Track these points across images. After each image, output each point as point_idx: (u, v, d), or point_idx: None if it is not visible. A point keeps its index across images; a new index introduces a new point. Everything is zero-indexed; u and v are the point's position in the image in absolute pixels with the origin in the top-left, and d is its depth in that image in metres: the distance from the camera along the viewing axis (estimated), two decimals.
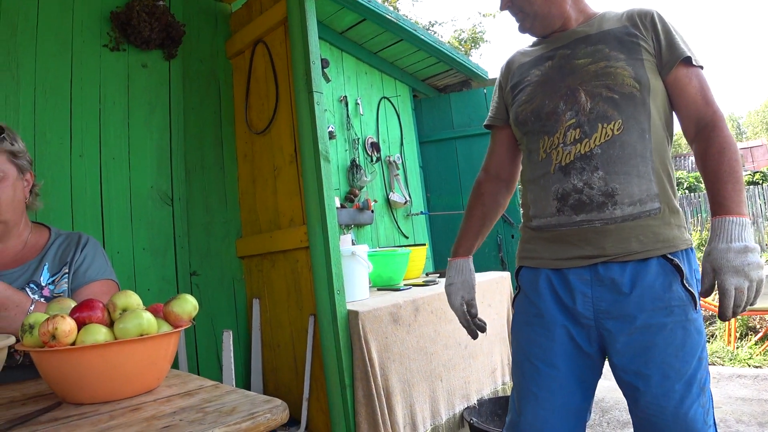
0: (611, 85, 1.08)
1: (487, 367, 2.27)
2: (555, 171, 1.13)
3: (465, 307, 1.34)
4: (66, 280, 1.31)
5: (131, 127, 2.09)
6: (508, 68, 1.34)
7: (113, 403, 0.86)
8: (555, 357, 1.14)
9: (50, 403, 0.89)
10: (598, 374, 1.19)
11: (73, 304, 0.96)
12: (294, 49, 1.99)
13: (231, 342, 1.89)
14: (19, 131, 1.35)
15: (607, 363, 1.16)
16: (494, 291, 2.36)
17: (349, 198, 2.84)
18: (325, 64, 2.63)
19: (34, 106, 1.92)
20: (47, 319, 0.84)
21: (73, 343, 0.84)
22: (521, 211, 1.38)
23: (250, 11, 2.28)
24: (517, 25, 1.27)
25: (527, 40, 1.32)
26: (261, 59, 2.22)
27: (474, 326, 1.35)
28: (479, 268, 3.34)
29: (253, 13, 2.25)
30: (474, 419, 2.01)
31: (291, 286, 2.03)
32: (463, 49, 11.87)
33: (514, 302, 1.29)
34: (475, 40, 12.52)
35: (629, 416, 2.09)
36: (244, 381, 2.21)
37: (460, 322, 1.36)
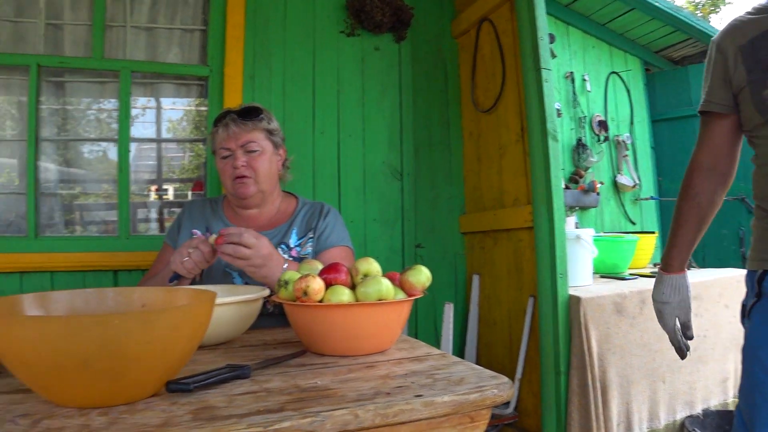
0: None
1: (717, 374, 2.27)
2: None
3: (680, 329, 1.38)
4: (311, 243, 1.74)
5: (365, 106, 2.58)
6: (739, 37, 1.26)
7: (350, 358, 1.06)
8: None
9: (297, 350, 1.13)
10: None
11: (320, 266, 1.21)
12: (521, 26, 2.22)
13: (452, 314, 2.24)
14: (271, 112, 1.84)
15: None
16: (733, 291, 2.34)
17: (573, 179, 3.02)
18: (551, 39, 2.84)
19: (283, 89, 2.51)
20: (300, 278, 1.07)
21: (321, 301, 1.06)
22: (755, 204, 1.35)
23: None
24: None
25: None
26: (487, 37, 2.50)
27: (685, 346, 1.39)
28: (716, 263, 3.25)
29: None
30: (696, 430, 2.06)
31: (512, 265, 2.31)
32: (700, 14, 11.00)
33: (751, 311, 1.28)
34: (714, 3, 11.54)
35: None
36: (458, 353, 2.56)
37: (671, 342, 1.42)
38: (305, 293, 1.05)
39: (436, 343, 2.46)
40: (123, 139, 2.38)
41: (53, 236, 2.37)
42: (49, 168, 2.43)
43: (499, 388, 0.85)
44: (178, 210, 2.55)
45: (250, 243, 1.38)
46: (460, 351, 2.57)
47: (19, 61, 2.34)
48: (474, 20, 2.58)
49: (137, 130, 2.49)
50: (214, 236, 1.41)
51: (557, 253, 2.02)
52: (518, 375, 2.20)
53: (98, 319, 0.73)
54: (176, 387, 0.81)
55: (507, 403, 2.23)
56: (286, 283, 1.12)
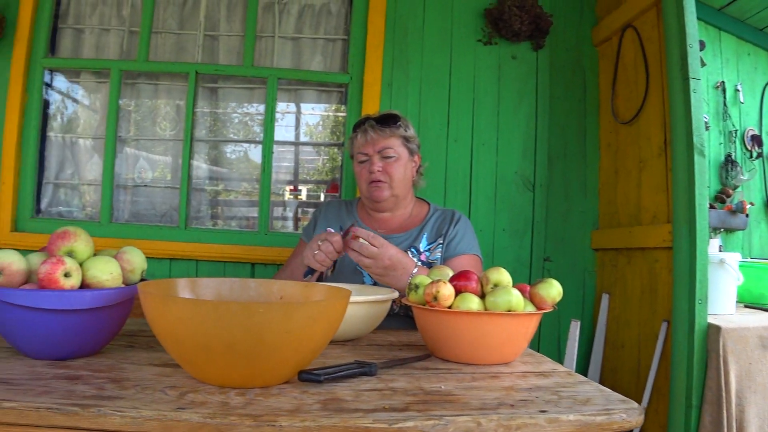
0: None
1: None
2: None
3: None
4: (440, 249, 1.86)
5: (500, 114, 2.68)
6: None
7: (474, 366, 1.10)
8: None
9: (422, 353, 1.19)
10: None
11: (450, 272, 1.27)
12: (668, 32, 2.19)
13: (578, 332, 2.28)
14: (408, 119, 1.99)
15: None
16: None
17: (720, 198, 2.92)
18: (701, 46, 2.77)
19: (420, 96, 2.67)
20: (431, 283, 1.12)
21: (450, 307, 1.11)
22: None
23: None
24: None
25: None
26: (630, 45, 2.51)
27: None
28: None
29: None
30: None
31: (646, 286, 2.31)
32: None
33: None
34: None
35: None
36: (580, 374, 2.58)
37: None
38: (435, 298, 1.10)
39: (558, 360, 2.50)
40: (267, 141, 2.66)
41: (200, 228, 2.71)
42: (200, 166, 2.76)
43: (628, 413, 0.84)
44: (311, 210, 2.79)
45: (370, 253, 1.50)
46: (582, 372, 2.60)
47: (180, 69, 2.69)
48: (616, 27, 2.59)
49: (277, 134, 2.76)
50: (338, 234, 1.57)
51: (697, 277, 1.97)
52: (644, 403, 2.17)
53: (245, 307, 0.82)
54: (308, 377, 0.89)
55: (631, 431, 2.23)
56: (417, 287, 1.19)
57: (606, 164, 2.70)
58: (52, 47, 2.72)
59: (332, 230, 1.93)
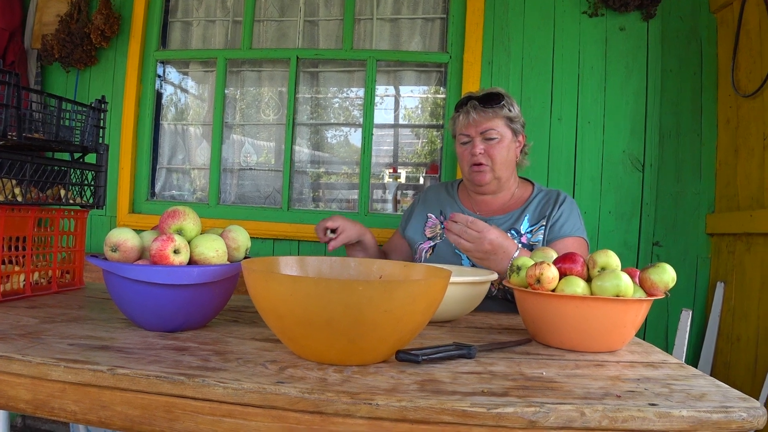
0: None
1: None
2: None
3: None
4: (542, 231, 1.81)
5: (607, 91, 2.56)
6: None
7: (578, 353, 1.07)
8: None
9: (522, 337, 1.17)
10: None
11: (554, 254, 1.22)
12: None
13: (689, 323, 2.16)
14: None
15: None
16: None
17: None
18: None
19: (521, 74, 2.60)
20: (534, 264, 1.09)
21: (554, 290, 1.08)
22: None
23: None
24: None
25: None
26: (754, 9, 2.32)
27: None
28: None
29: None
30: None
31: (767, 275, 2.13)
32: None
33: None
34: None
35: None
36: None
37: None
38: (538, 281, 1.07)
39: (665, 352, 2.38)
40: (367, 124, 2.70)
41: (302, 209, 2.80)
42: (301, 150, 2.84)
43: (749, 413, 0.77)
44: (411, 192, 2.80)
45: (470, 237, 1.49)
46: (692, 365, 2.46)
47: (281, 55, 2.78)
48: None
49: (376, 117, 2.78)
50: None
51: None
52: (762, 402, 2.05)
53: (344, 284, 0.83)
54: (405, 357, 0.89)
55: None
56: (519, 268, 1.16)
57: (724, 142, 2.52)
58: (163, 41, 2.90)
59: (433, 216, 1.95)
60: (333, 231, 1.80)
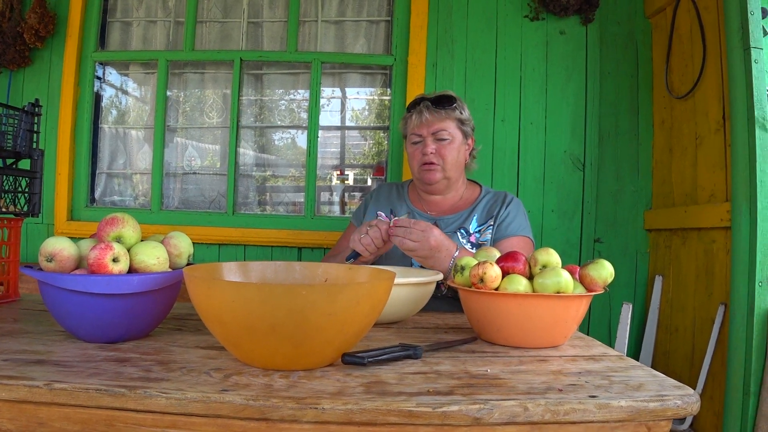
0: None
1: None
2: None
3: None
4: (490, 231, 1.86)
5: (548, 93, 2.63)
6: None
7: (522, 350, 1.09)
8: None
9: (468, 336, 1.18)
10: None
11: (497, 253, 1.24)
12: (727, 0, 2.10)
13: (629, 316, 2.23)
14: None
15: None
16: None
17: None
18: (763, 13, 2.63)
19: (465, 76, 2.64)
20: (477, 264, 1.11)
21: (497, 289, 1.10)
22: None
23: None
24: None
25: None
26: (685, 15, 2.41)
27: None
28: None
29: None
30: None
31: (701, 268, 2.24)
32: None
33: None
34: None
35: None
36: (631, 357, 2.54)
37: None
38: (481, 280, 1.09)
39: (608, 345, 2.45)
40: (313, 126, 2.69)
41: (247, 214, 2.77)
42: (246, 153, 2.81)
43: (683, 400, 0.80)
44: (358, 194, 2.81)
45: (416, 237, 1.51)
46: (633, 356, 2.55)
47: (224, 57, 2.74)
48: None
49: (323, 119, 2.79)
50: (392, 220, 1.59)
51: (758, 258, 1.91)
52: (699, 390, 2.13)
53: (287, 289, 0.83)
54: (351, 359, 0.89)
55: (683, 419, 2.18)
56: (463, 268, 1.18)
57: (660, 142, 2.62)
58: (102, 41, 2.82)
59: (383, 214, 1.95)
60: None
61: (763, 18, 2.70)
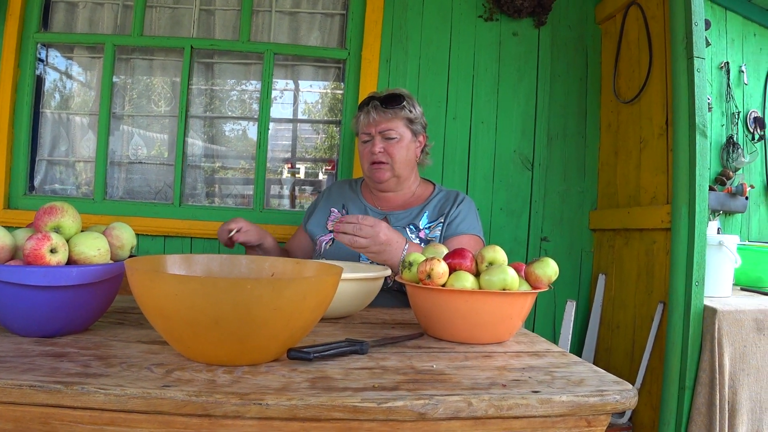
0: None
1: None
2: None
3: None
4: (440, 228, 1.88)
5: (500, 92, 2.67)
6: None
7: (467, 346, 1.11)
8: None
9: (414, 332, 1.20)
10: None
11: (445, 250, 1.25)
12: (673, 10, 2.16)
13: (573, 313, 2.29)
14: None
15: None
16: None
17: (720, 180, 2.91)
18: (706, 25, 2.73)
19: (418, 73, 2.66)
20: (425, 260, 1.13)
21: (444, 285, 1.12)
22: None
23: None
24: None
25: None
26: (634, 23, 2.49)
27: None
28: None
29: None
30: None
31: (642, 267, 2.32)
32: None
33: None
34: None
35: None
36: (574, 354, 2.61)
37: None
38: (429, 276, 1.10)
39: (553, 341, 2.51)
40: (263, 118, 2.65)
41: (195, 205, 2.71)
42: (195, 143, 2.75)
43: (622, 395, 0.84)
44: (308, 188, 2.79)
45: (366, 233, 1.49)
46: (577, 352, 2.62)
47: (174, 44, 2.67)
48: (621, 5, 2.56)
49: (275, 111, 2.75)
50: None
51: (695, 259, 1.98)
52: (638, 384, 2.19)
53: (232, 282, 0.82)
54: (297, 355, 0.89)
55: (622, 413, 2.24)
56: (411, 264, 1.19)
57: (606, 144, 2.69)
58: (45, 22, 2.69)
59: (336, 211, 1.97)
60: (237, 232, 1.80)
61: (706, 29, 2.81)
